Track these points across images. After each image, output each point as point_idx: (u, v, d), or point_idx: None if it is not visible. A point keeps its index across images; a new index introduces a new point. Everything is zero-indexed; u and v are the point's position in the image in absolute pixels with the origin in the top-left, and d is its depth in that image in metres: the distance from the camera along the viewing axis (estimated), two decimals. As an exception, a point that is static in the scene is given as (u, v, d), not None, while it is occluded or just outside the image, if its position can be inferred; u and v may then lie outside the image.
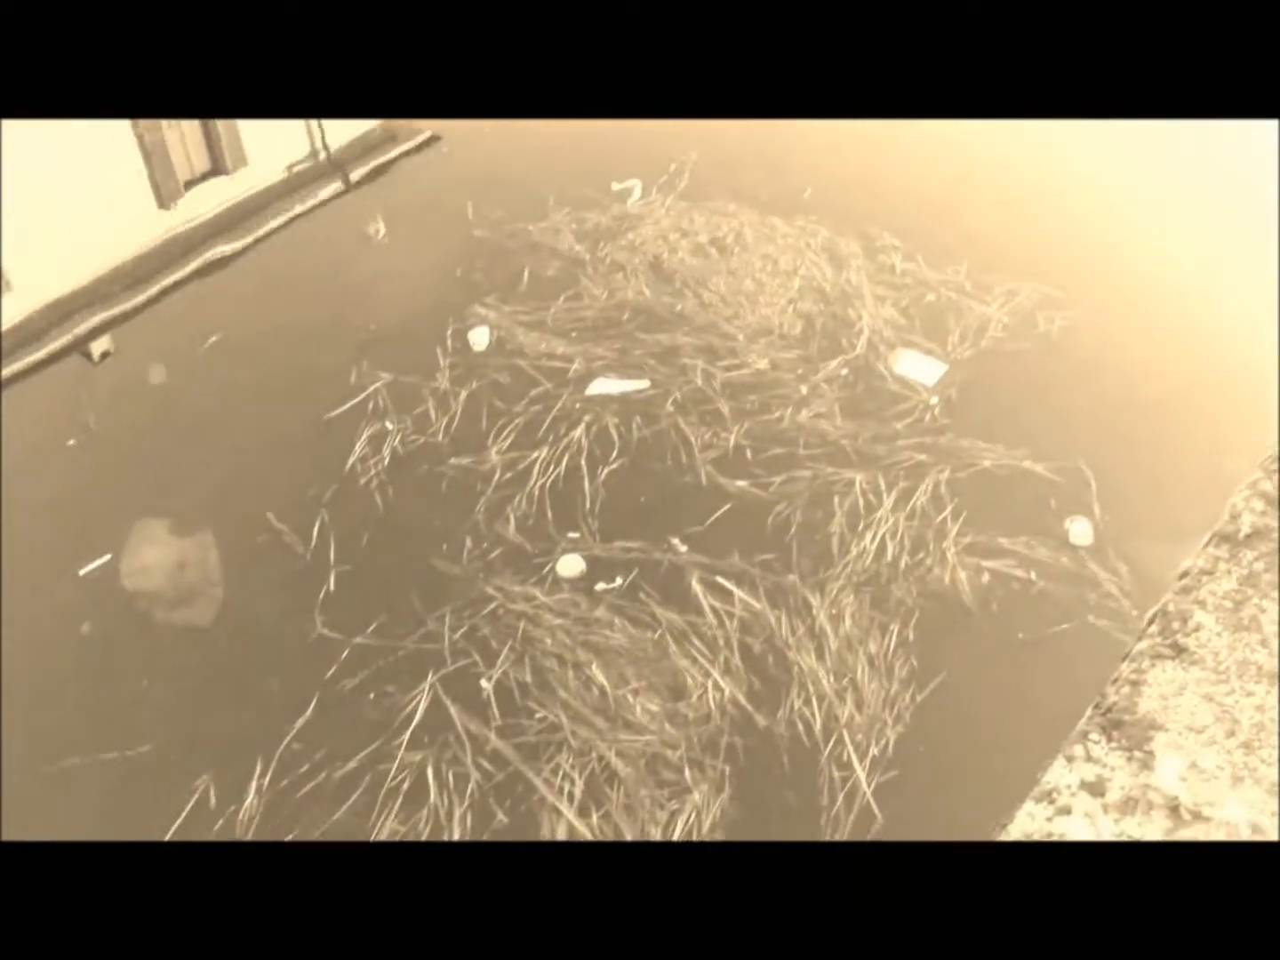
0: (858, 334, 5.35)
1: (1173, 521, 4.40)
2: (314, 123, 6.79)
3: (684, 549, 4.39)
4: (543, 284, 5.63)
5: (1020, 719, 3.81)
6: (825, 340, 5.34)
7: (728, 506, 4.56)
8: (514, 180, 6.29)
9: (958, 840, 3.26)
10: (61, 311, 5.56)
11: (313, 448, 4.80)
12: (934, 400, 5.03)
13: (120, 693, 4.00)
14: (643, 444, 4.82)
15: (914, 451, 4.79)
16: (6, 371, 5.27)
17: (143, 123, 6.33)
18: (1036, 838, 1.83)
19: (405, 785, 3.71)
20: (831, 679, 3.99)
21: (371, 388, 5.03)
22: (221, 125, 6.58)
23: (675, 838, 3.58)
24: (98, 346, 5.43)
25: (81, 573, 4.33)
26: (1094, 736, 2.01)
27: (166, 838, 3.56)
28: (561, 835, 3.58)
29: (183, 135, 6.54)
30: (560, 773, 3.73)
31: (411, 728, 3.85)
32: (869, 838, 3.61)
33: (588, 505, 4.56)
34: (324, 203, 6.43)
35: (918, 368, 5.18)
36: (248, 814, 3.64)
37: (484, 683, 3.97)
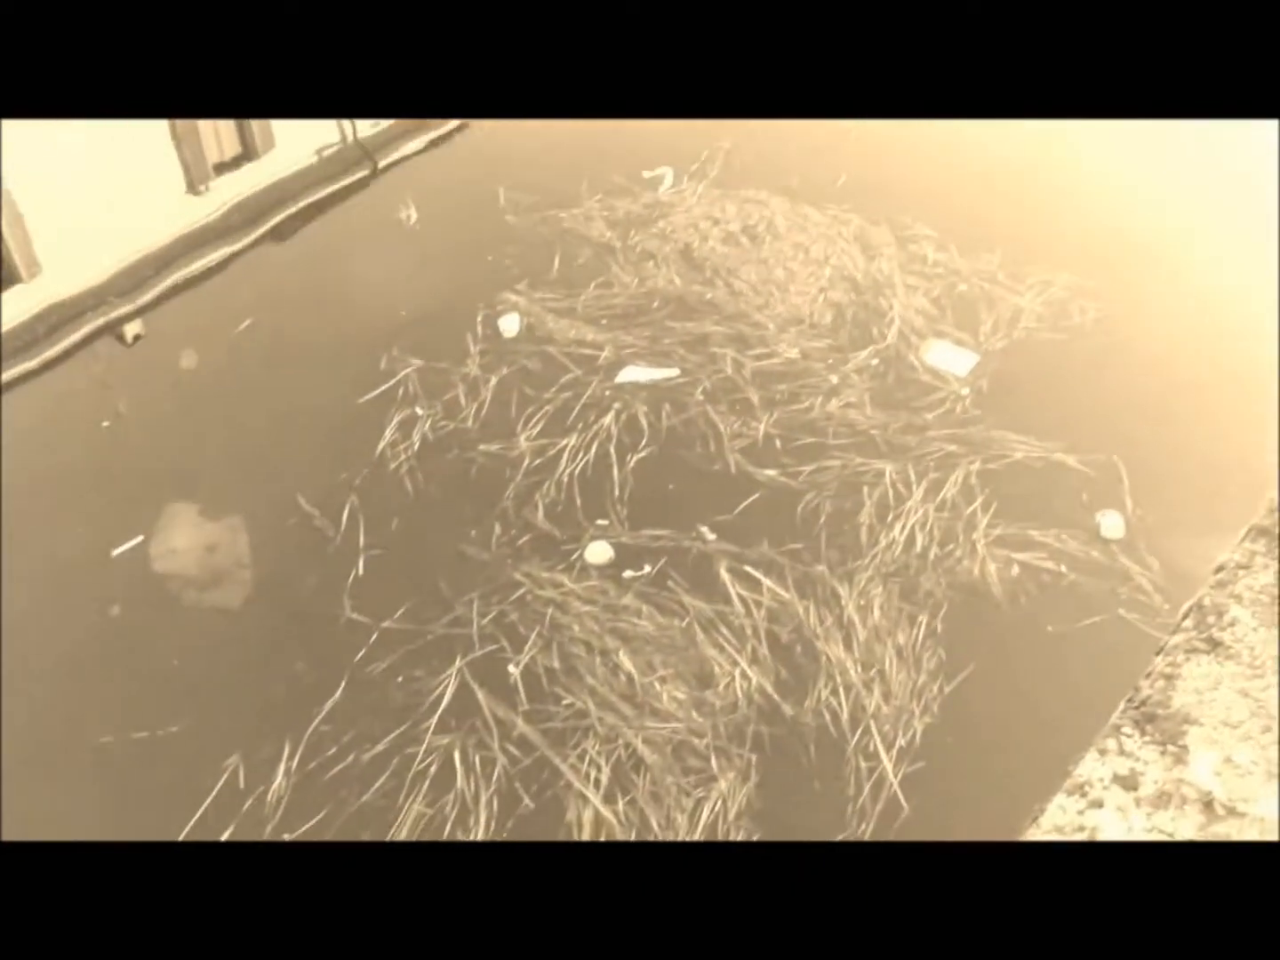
0: (889, 324, 5.32)
1: (1206, 516, 4.36)
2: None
3: (712, 537, 4.38)
4: (573, 271, 5.63)
5: (1049, 712, 3.80)
6: (856, 330, 5.31)
7: (756, 495, 4.55)
8: (545, 167, 6.28)
9: (982, 839, 3.25)
10: (94, 296, 5.60)
11: (343, 432, 4.82)
12: (965, 391, 5.00)
13: (151, 673, 4.03)
14: (672, 432, 4.82)
15: (944, 442, 4.77)
16: (41, 356, 5.31)
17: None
18: (1068, 830, 1.83)
19: (433, 769, 3.73)
20: (859, 669, 3.98)
21: (402, 373, 5.04)
22: (253, 110, 6.59)
23: (701, 825, 3.58)
24: (130, 329, 5.46)
25: (114, 553, 4.36)
26: (1127, 730, 1.99)
27: (196, 817, 3.59)
28: (588, 821, 3.59)
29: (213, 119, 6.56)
30: (587, 759, 3.74)
31: (439, 712, 3.86)
32: (895, 828, 3.61)
33: (616, 493, 4.56)
34: (355, 188, 6.44)
35: (949, 358, 5.16)
36: (276, 795, 3.67)
37: (511, 668, 3.98)
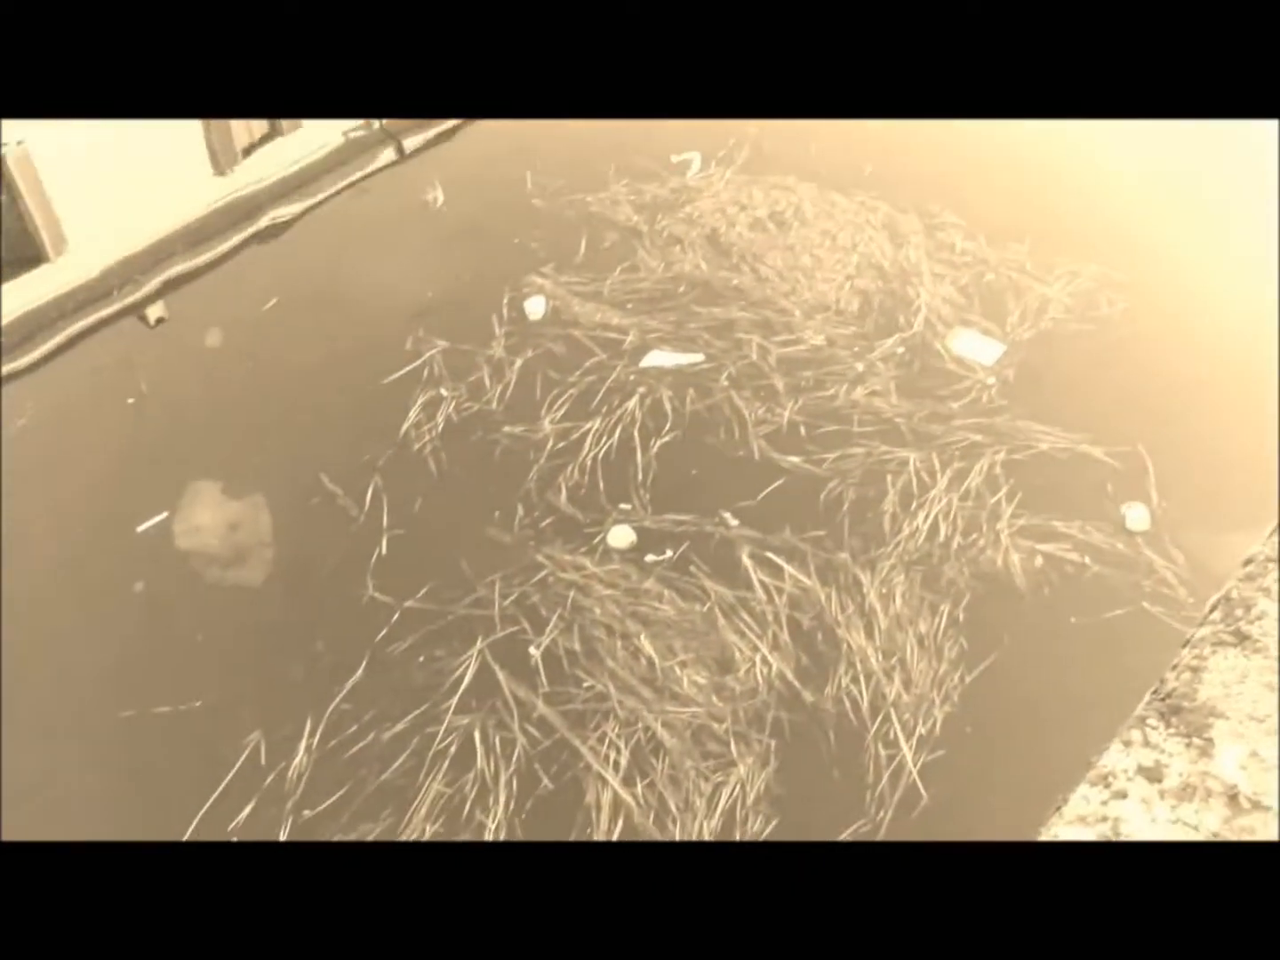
0: (915, 312, 5.30)
1: (1232, 510, 4.34)
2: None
3: (735, 523, 4.38)
4: (599, 255, 5.62)
5: (1070, 703, 3.79)
6: (882, 317, 5.29)
7: (780, 482, 4.54)
8: (573, 151, 6.27)
9: (1001, 828, 3.24)
10: (121, 274, 5.61)
11: (368, 413, 4.83)
12: (991, 381, 4.97)
13: (173, 649, 4.06)
14: (696, 417, 4.81)
15: (969, 432, 4.74)
16: (65, 332, 5.34)
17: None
18: (1091, 821, 1.82)
19: (453, 749, 3.75)
20: (880, 657, 3.97)
21: (427, 354, 5.05)
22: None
23: (719, 810, 3.59)
24: (153, 312, 5.48)
25: (139, 529, 4.39)
26: (1152, 722, 1.99)
27: (218, 791, 3.62)
28: (606, 803, 3.60)
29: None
30: (606, 741, 3.75)
31: (460, 692, 3.87)
32: (913, 816, 3.61)
33: (640, 477, 4.56)
34: (382, 169, 6.44)
35: (976, 347, 5.13)
36: (297, 771, 3.69)
37: (533, 650, 3.99)
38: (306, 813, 3.60)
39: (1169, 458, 4.64)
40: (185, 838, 3.53)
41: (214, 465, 4.64)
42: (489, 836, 3.54)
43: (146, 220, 5.86)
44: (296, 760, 3.72)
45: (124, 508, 4.47)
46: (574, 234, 5.74)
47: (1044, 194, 6.09)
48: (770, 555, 4.26)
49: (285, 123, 6.66)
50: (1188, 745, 1.88)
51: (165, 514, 4.44)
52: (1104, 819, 1.84)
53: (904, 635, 4.04)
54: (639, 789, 3.65)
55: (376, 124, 6.69)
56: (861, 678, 3.93)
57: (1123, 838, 1.74)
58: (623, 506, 4.45)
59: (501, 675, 3.92)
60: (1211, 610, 2.23)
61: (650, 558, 4.27)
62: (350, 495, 4.48)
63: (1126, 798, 1.85)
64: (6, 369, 5.11)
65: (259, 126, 6.63)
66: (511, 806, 3.61)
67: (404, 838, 3.53)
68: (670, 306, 5.31)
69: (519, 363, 5.01)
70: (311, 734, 3.78)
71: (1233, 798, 1.73)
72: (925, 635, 4.04)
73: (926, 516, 4.41)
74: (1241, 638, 2.10)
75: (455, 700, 3.85)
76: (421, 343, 5.11)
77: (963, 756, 3.75)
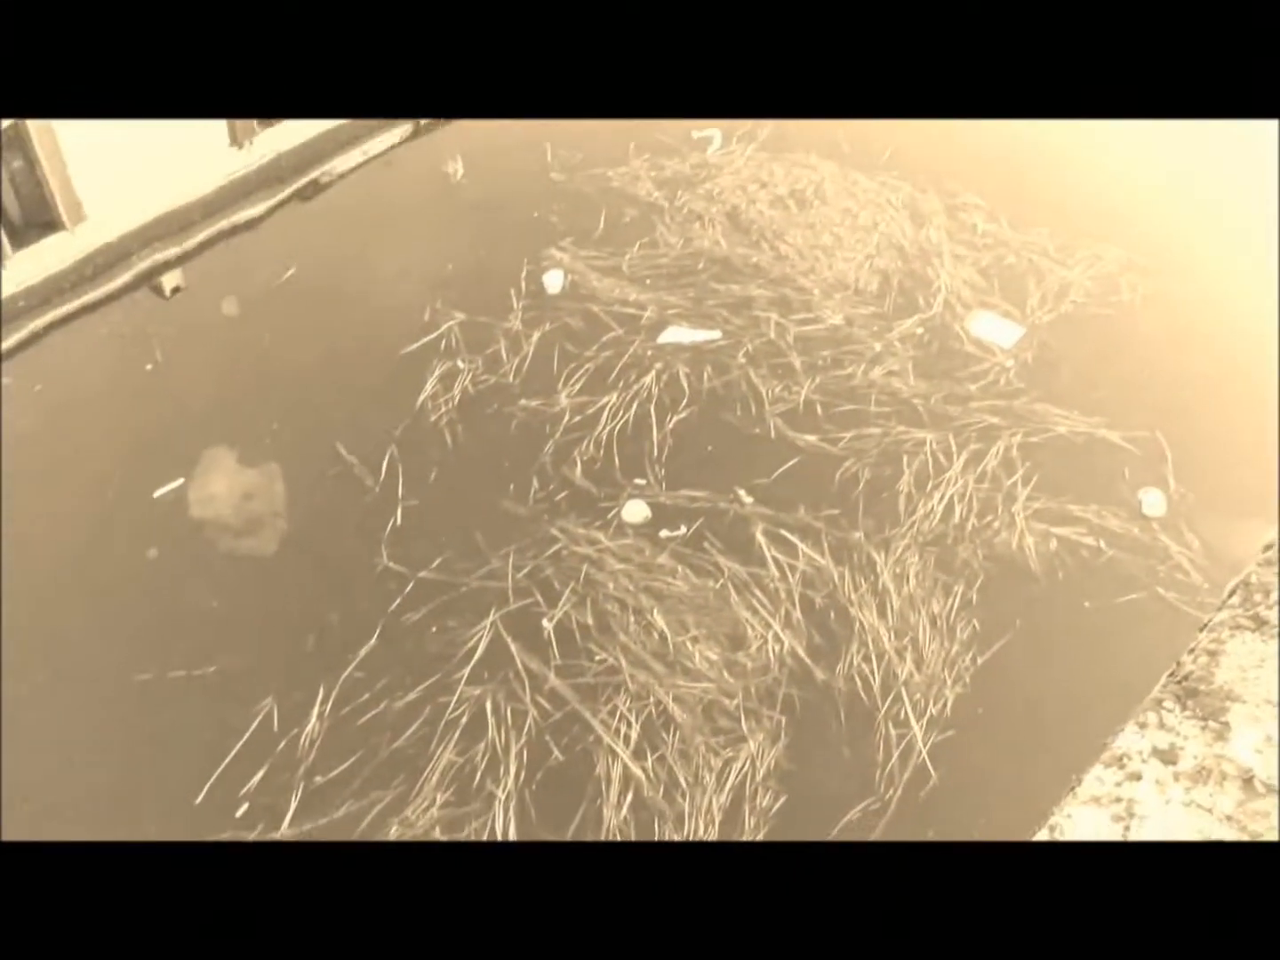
0: (935, 293, 5.28)
1: (1249, 497, 4.33)
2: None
3: (750, 500, 4.38)
4: (619, 230, 5.60)
5: (1083, 686, 3.79)
6: (902, 298, 5.27)
7: (795, 460, 4.54)
8: (593, 125, 6.24)
9: (1010, 810, 3.25)
10: (138, 240, 5.61)
11: (385, 383, 4.83)
12: (1009, 363, 4.96)
13: (187, 615, 4.07)
14: (712, 394, 4.80)
15: (987, 414, 4.73)
16: (82, 299, 5.34)
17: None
18: (1105, 802, 1.82)
19: (464, 719, 3.76)
20: (892, 637, 3.97)
21: (445, 326, 5.04)
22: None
23: (729, 785, 3.60)
24: (169, 282, 5.48)
25: (156, 495, 4.40)
26: (1168, 704, 1.99)
27: (230, 756, 3.64)
28: (616, 776, 3.61)
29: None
30: (617, 714, 3.76)
31: (472, 663, 3.89)
32: (922, 796, 3.62)
33: (655, 452, 4.56)
34: (403, 141, 6.42)
35: (995, 329, 5.11)
36: (309, 738, 3.71)
37: (545, 622, 4.00)
38: (318, 779, 3.62)
39: (1186, 443, 4.63)
40: (197, 802, 3.56)
41: (230, 433, 4.64)
42: (499, 807, 3.55)
43: (164, 189, 5.85)
44: (309, 726, 3.74)
45: (140, 474, 4.49)
46: (593, 208, 5.72)
47: (1066, 177, 6.04)
48: (784, 533, 4.26)
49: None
50: (1203, 728, 1.88)
51: (182, 480, 4.45)
52: (1118, 799, 1.84)
53: (917, 615, 4.04)
54: (649, 763, 3.66)
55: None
56: (873, 657, 3.93)
57: (1136, 819, 1.74)
58: (638, 482, 4.45)
59: (514, 647, 3.93)
60: (1230, 595, 2.22)
61: (664, 533, 4.27)
62: (366, 465, 4.49)
63: (1141, 779, 1.85)
64: (26, 332, 5.12)
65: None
66: (522, 777, 3.63)
67: (414, 806, 3.55)
68: (689, 283, 5.30)
69: (536, 336, 5.01)
70: (324, 701, 3.80)
71: (1247, 781, 1.73)
72: (938, 616, 4.04)
73: (942, 497, 4.41)
74: (1260, 622, 2.10)
75: (468, 671, 3.87)
76: (439, 314, 5.10)
77: (973, 737, 3.76)
